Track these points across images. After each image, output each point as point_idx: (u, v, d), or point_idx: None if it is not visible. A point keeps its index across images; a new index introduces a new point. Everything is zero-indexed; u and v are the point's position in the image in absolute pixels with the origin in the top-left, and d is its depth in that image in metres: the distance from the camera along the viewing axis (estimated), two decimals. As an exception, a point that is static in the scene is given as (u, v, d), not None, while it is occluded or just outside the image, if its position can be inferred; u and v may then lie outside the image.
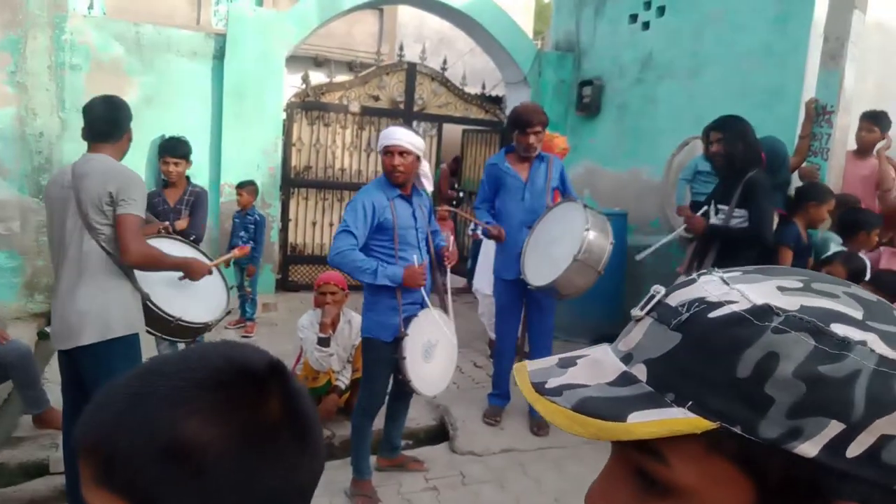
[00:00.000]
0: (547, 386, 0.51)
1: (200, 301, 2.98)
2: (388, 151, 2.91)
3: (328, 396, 3.86)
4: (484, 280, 5.25)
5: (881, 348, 0.44)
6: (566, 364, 0.54)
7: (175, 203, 4.05)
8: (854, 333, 0.45)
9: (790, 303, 0.46)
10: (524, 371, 0.54)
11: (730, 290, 0.49)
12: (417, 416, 3.87)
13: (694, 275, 0.53)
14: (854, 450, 0.43)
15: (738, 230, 3.54)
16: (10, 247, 5.36)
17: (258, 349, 0.66)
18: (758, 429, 0.44)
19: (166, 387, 0.58)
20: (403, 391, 3.21)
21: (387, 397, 3.23)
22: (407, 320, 2.98)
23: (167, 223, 3.70)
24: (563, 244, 3.51)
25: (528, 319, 4.04)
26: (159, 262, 2.66)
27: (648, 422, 0.46)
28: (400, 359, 2.97)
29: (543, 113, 3.83)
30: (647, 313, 0.52)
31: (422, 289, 3.00)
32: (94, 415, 0.59)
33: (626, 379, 0.49)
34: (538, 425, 3.94)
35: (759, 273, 0.51)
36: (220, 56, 6.09)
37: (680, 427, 0.46)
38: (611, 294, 5.66)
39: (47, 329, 4.94)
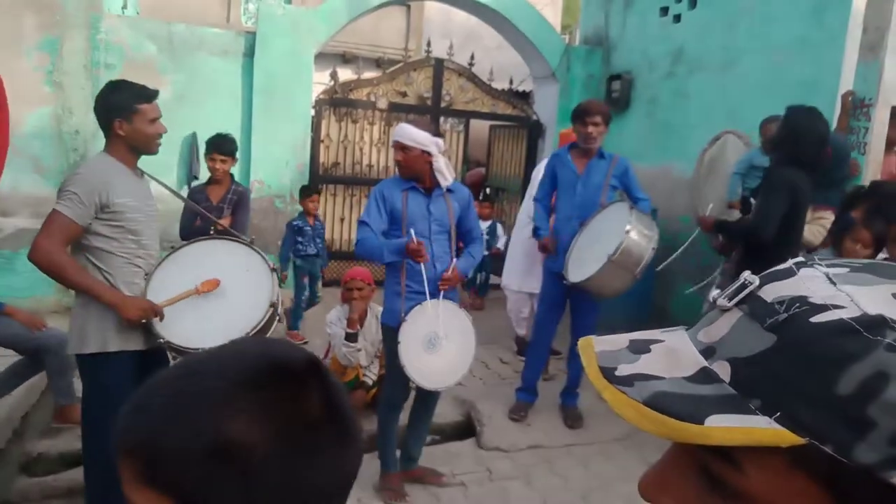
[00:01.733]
0: (617, 373, 0.48)
1: (219, 321, 2.48)
2: (393, 147, 3.05)
3: (355, 392, 3.89)
4: (512, 277, 5.24)
5: None
6: (639, 349, 0.50)
7: (218, 201, 3.98)
8: None
9: None
10: (591, 351, 0.50)
11: (837, 293, 0.43)
12: (444, 412, 3.87)
13: (790, 263, 0.48)
14: None
15: (737, 226, 3.49)
16: (47, 242, 5.49)
17: (294, 345, 0.66)
18: (853, 452, 0.40)
19: (207, 387, 0.58)
20: (426, 393, 3.17)
21: (412, 399, 3.22)
22: (410, 308, 2.98)
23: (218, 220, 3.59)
24: (603, 244, 3.48)
25: (572, 317, 4.01)
26: (62, 276, 2.30)
27: (729, 427, 0.42)
28: (395, 343, 2.95)
29: (606, 107, 3.90)
30: (737, 305, 0.47)
31: (424, 279, 2.95)
32: (135, 416, 0.59)
33: (706, 376, 0.45)
34: (572, 418, 3.92)
35: (869, 272, 0.46)
36: (250, 54, 6.15)
37: (764, 438, 0.42)
38: (639, 291, 5.59)
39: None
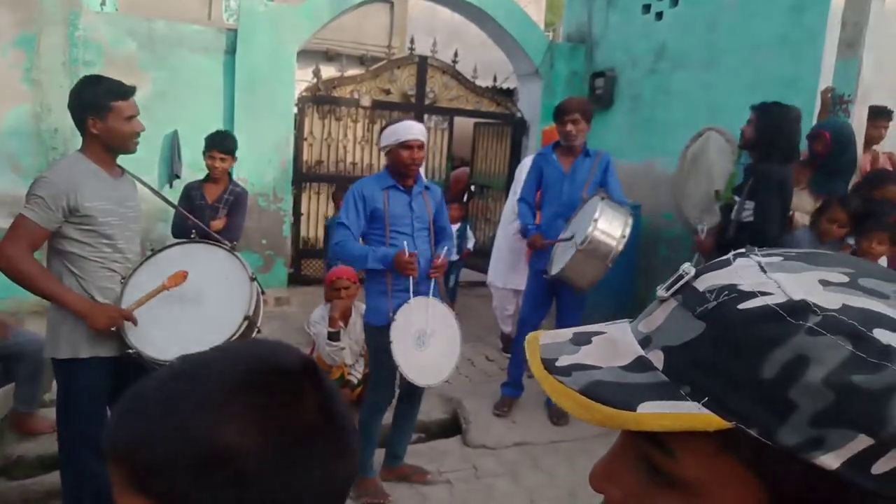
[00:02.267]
0: (557, 364, 0.48)
1: (192, 332, 2.33)
2: (408, 146, 2.93)
3: (341, 391, 3.87)
4: (497, 274, 5.24)
5: None
6: (580, 341, 0.51)
7: (214, 201, 3.84)
8: None
9: (831, 300, 0.42)
10: (536, 344, 0.51)
11: (766, 280, 0.44)
12: (430, 409, 3.87)
13: (731, 254, 0.49)
14: (881, 466, 0.40)
15: (738, 238, 3.45)
16: (26, 242, 5.41)
17: (290, 347, 0.63)
18: (776, 434, 0.41)
19: (200, 391, 0.56)
20: (411, 389, 3.15)
21: (395, 399, 3.20)
22: (398, 307, 2.95)
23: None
24: (577, 237, 3.50)
25: (557, 314, 4.03)
26: (28, 283, 2.22)
27: (659, 414, 0.43)
28: (386, 342, 2.91)
29: (586, 104, 3.89)
30: (672, 295, 0.48)
31: (410, 278, 2.93)
32: (125, 421, 0.58)
33: (641, 364, 0.46)
34: (557, 415, 3.94)
35: (801, 260, 0.46)
36: (231, 51, 6.10)
37: (692, 423, 0.43)
38: (620, 288, 5.64)
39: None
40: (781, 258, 0.47)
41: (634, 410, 0.44)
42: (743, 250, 0.49)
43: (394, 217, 2.98)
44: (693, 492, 0.45)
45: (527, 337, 0.53)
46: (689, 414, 0.43)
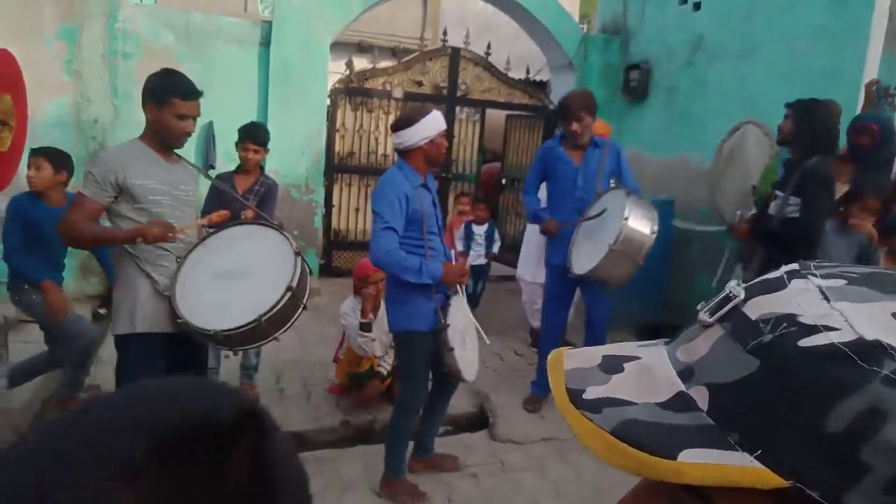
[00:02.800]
0: (585, 396, 0.43)
1: (239, 303, 2.43)
2: (444, 135, 2.86)
3: (371, 382, 3.91)
4: (526, 268, 5.22)
5: None
6: (611, 367, 0.45)
7: (244, 192, 3.81)
8: None
9: None
10: (560, 369, 0.46)
11: (830, 311, 0.39)
12: (457, 403, 3.87)
13: (782, 272, 0.43)
14: None
15: (784, 231, 3.40)
16: (66, 230, 5.56)
17: (232, 391, 0.47)
18: (843, 498, 0.36)
19: (74, 479, 0.38)
20: (444, 386, 3.15)
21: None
22: (441, 309, 2.91)
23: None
24: (603, 233, 3.46)
25: (586, 312, 3.97)
26: (82, 237, 2.44)
27: (703, 465, 0.38)
28: (446, 350, 2.88)
29: (589, 99, 3.76)
30: (719, 321, 0.43)
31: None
32: None
33: (681, 402, 0.41)
34: None
35: (868, 285, 0.40)
36: (266, 43, 6.15)
37: (742, 478, 0.38)
38: (654, 283, 5.56)
39: (101, 311, 5.12)
40: (844, 281, 0.41)
41: (675, 458, 0.39)
42: (797, 267, 0.43)
43: (427, 218, 2.84)
44: None
45: (549, 357, 0.48)
46: (738, 467, 0.38)
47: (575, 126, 3.71)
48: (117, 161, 2.42)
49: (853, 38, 4.58)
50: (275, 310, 2.40)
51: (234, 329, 2.39)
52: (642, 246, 3.37)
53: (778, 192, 3.47)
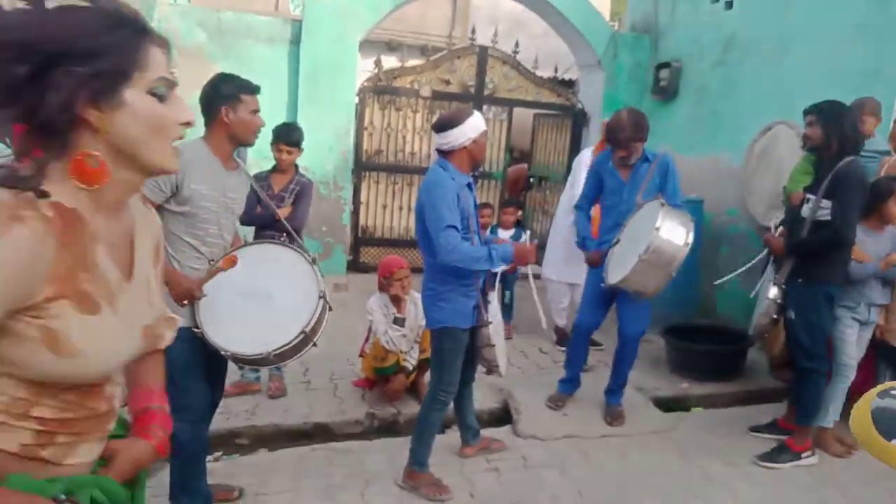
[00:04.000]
0: (892, 391, 0.47)
1: (256, 327, 2.50)
2: (485, 136, 2.92)
3: (396, 376, 3.94)
4: (552, 267, 5.22)
5: None
6: None
7: (280, 190, 3.91)
8: None
9: None
10: (867, 409, 0.48)
11: None
12: (481, 399, 3.89)
13: None
14: None
15: (815, 241, 3.36)
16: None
17: None
18: None
19: None
20: (468, 377, 3.25)
21: None
22: (477, 308, 2.99)
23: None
24: (637, 243, 3.43)
25: (618, 320, 3.92)
26: None
27: None
28: (487, 346, 2.99)
29: (638, 127, 3.70)
30: None
31: (481, 277, 3.00)
32: None
33: None
34: (613, 416, 3.88)
35: None
36: (296, 41, 6.23)
37: None
38: (683, 284, 5.49)
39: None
40: None
41: (889, 440, 0.42)
42: None
43: (471, 217, 2.91)
44: None
45: (856, 407, 0.48)
46: None
47: (622, 153, 3.72)
48: (181, 162, 2.44)
49: (893, 36, 4.48)
50: (283, 348, 2.49)
51: (245, 355, 2.50)
52: (674, 258, 3.31)
53: (809, 196, 3.43)
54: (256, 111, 2.55)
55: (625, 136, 3.68)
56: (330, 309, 2.63)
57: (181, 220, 2.46)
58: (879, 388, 0.47)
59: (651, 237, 3.27)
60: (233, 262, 2.53)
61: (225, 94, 2.49)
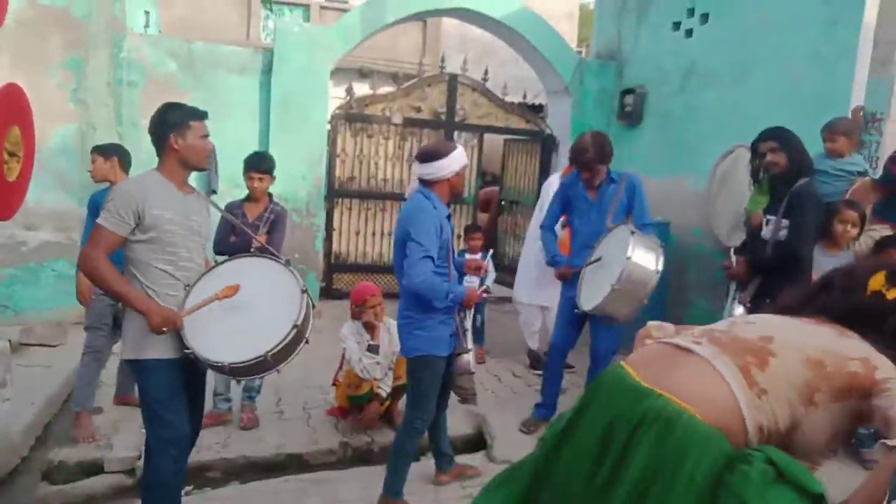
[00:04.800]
0: None
1: (243, 337, 2.52)
2: (463, 172, 3.02)
3: (370, 404, 3.95)
4: (524, 290, 5.27)
5: None
6: None
7: (254, 219, 3.91)
8: None
9: None
10: None
11: None
12: (455, 425, 3.90)
13: None
14: None
15: (775, 259, 3.46)
16: (71, 255, 5.63)
17: None
18: None
19: None
20: (442, 403, 3.27)
21: None
22: (455, 335, 3.03)
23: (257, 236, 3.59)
24: (608, 270, 3.51)
25: (592, 339, 3.99)
26: (101, 282, 2.45)
27: None
28: (466, 374, 3.04)
29: (602, 149, 3.81)
30: None
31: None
32: None
33: None
34: None
35: None
36: (267, 70, 6.29)
37: None
38: (651, 305, 5.59)
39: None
40: None
41: None
42: None
43: (449, 249, 3.00)
44: None
45: None
46: None
47: (586, 175, 3.84)
48: (139, 191, 2.47)
49: (843, 64, 4.68)
50: (280, 346, 2.49)
51: (242, 363, 2.49)
52: (646, 284, 3.38)
53: (769, 217, 3.54)
54: (205, 136, 2.62)
55: (588, 157, 3.78)
56: (314, 306, 2.69)
57: (150, 248, 2.49)
58: None
59: (623, 266, 3.34)
60: (235, 290, 2.55)
61: (173, 121, 2.54)
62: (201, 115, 2.62)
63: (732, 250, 4.03)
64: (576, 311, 3.76)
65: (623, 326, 3.96)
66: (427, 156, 2.97)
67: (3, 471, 3.38)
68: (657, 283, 3.44)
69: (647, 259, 3.40)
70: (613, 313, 3.55)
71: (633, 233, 3.47)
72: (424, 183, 2.98)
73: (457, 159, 2.97)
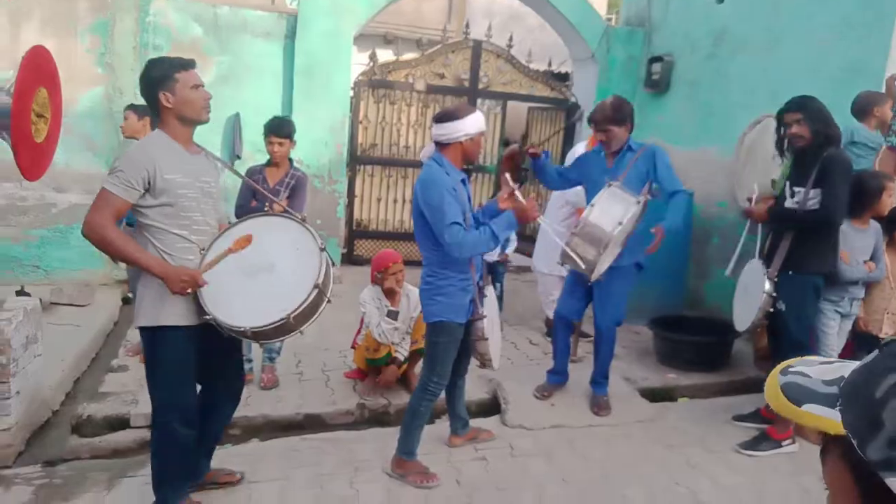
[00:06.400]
0: (791, 369, 0.59)
1: (264, 300, 2.45)
2: (482, 135, 3.00)
3: (388, 367, 4.01)
4: (542, 259, 5.27)
5: None
6: (836, 365, 0.59)
7: (275, 184, 3.90)
8: None
9: None
10: (776, 385, 0.59)
11: None
12: (471, 389, 3.94)
13: None
14: None
15: (805, 214, 3.42)
16: (99, 217, 5.76)
17: None
18: (867, 448, 0.47)
19: None
20: (462, 368, 3.32)
21: None
22: (478, 299, 3.06)
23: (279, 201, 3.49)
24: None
25: (595, 308, 3.97)
26: (111, 248, 2.37)
27: (808, 413, 0.53)
28: (481, 340, 3.05)
29: (617, 110, 3.75)
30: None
31: (475, 270, 3.06)
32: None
33: (837, 381, 0.55)
34: (599, 406, 3.95)
35: None
36: (291, 35, 6.28)
37: (822, 424, 0.52)
38: (672, 276, 5.58)
39: (130, 295, 5.31)
40: None
41: (800, 406, 0.53)
42: None
43: (466, 211, 2.96)
44: (830, 495, 0.54)
45: (767, 382, 0.61)
46: (825, 417, 0.52)
47: (601, 136, 3.80)
48: (148, 155, 2.37)
49: (878, 31, 4.53)
50: (302, 307, 2.42)
51: (264, 326, 2.42)
52: (604, 233, 3.29)
53: (796, 189, 3.48)
54: (198, 85, 2.46)
55: (603, 116, 3.74)
56: (333, 264, 2.59)
57: (165, 213, 2.42)
58: (780, 366, 0.57)
59: (586, 213, 3.35)
60: (248, 241, 2.49)
61: (157, 78, 2.41)
62: (186, 65, 2.46)
63: (755, 193, 3.96)
64: (556, 262, 3.72)
65: (627, 301, 3.93)
66: (441, 116, 2.95)
67: (36, 423, 3.53)
68: (622, 238, 3.41)
69: (611, 210, 3.34)
70: (576, 263, 3.41)
71: (609, 185, 3.46)
72: (438, 146, 2.97)
73: (472, 123, 2.92)
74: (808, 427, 0.54)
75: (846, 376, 0.54)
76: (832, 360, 0.60)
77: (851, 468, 0.49)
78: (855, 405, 0.50)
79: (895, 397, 0.46)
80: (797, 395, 0.54)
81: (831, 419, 0.51)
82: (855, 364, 0.56)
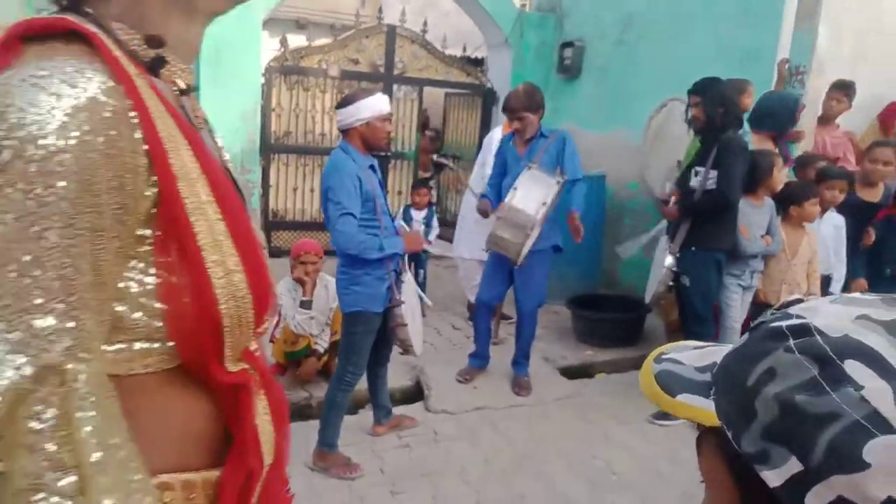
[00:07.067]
0: (663, 356, 0.56)
1: None
2: (385, 118, 2.92)
3: (307, 360, 3.94)
4: (463, 245, 5.30)
5: (884, 404, 0.40)
6: (708, 350, 0.56)
7: None
8: (866, 378, 0.41)
9: (841, 329, 0.43)
10: (650, 374, 0.56)
11: (818, 308, 0.47)
12: (393, 377, 3.92)
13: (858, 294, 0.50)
14: (813, 499, 0.41)
15: (704, 201, 3.61)
16: None
17: None
18: (741, 439, 0.44)
19: None
20: (383, 356, 3.31)
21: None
22: (395, 286, 3.04)
23: None
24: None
25: (514, 295, 4.04)
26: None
27: (683, 403, 0.50)
28: (400, 326, 3.02)
29: (530, 97, 3.81)
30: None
31: (394, 259, 3.04)
32: None
33: (710, 367, 0.52)
34: (520, 386, 4.02)
35: (878, 299, 0.47)
36: (195, 19, 6.00)
37: (697, 415, 0.49)
38: (587, 256, 5.72)
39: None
40: (864, 296, 0.48)
41: (674, 396, 0.51)
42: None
43: (377, 197, 2.91)
44: (707, 488, 0.51)
45: (642, 371, 0.57)
46: (699, 408, 0.49)
47: (516, 124, 3.84)
48: None
49: (770, 18, 4.77)
50: None
51: None
52: (527, 216, 3.42)
53: (697, 169, 3.66)
54: None
55: (516, 104, 3.79)
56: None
57: None
58: (653, 354, 0.56)
59: (507, 198, 3.45)
60: None
61: None
62: None
63: (669, 187, 4.15)
64: (482, 248, 3.80)
65: (548, 282, 4.04)
66: (340, 103, 2.95)
67: None
68: (542, 219, 3.49)
69: (533, 193, 3.46)
70: (502, 247, 3.57)
71: (529, 168, 3.55)
72: (342, 133, 2.95)
73: (367, 107, 2.85)
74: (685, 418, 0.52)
75: (718, 362, 0.52)
76: (704, 344, 0.58)
77: (727, 461, 0.47)
78: (728, 394, 0.47)
79: (767, 385, 0.43)
80: (671, 384, 0.52)
81: (707, 410, 0.48)
82: (726, 348, 0.54)
